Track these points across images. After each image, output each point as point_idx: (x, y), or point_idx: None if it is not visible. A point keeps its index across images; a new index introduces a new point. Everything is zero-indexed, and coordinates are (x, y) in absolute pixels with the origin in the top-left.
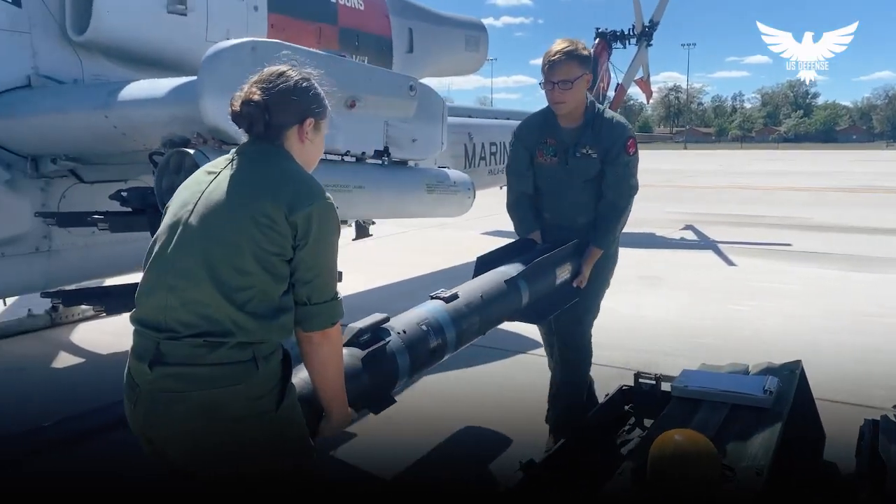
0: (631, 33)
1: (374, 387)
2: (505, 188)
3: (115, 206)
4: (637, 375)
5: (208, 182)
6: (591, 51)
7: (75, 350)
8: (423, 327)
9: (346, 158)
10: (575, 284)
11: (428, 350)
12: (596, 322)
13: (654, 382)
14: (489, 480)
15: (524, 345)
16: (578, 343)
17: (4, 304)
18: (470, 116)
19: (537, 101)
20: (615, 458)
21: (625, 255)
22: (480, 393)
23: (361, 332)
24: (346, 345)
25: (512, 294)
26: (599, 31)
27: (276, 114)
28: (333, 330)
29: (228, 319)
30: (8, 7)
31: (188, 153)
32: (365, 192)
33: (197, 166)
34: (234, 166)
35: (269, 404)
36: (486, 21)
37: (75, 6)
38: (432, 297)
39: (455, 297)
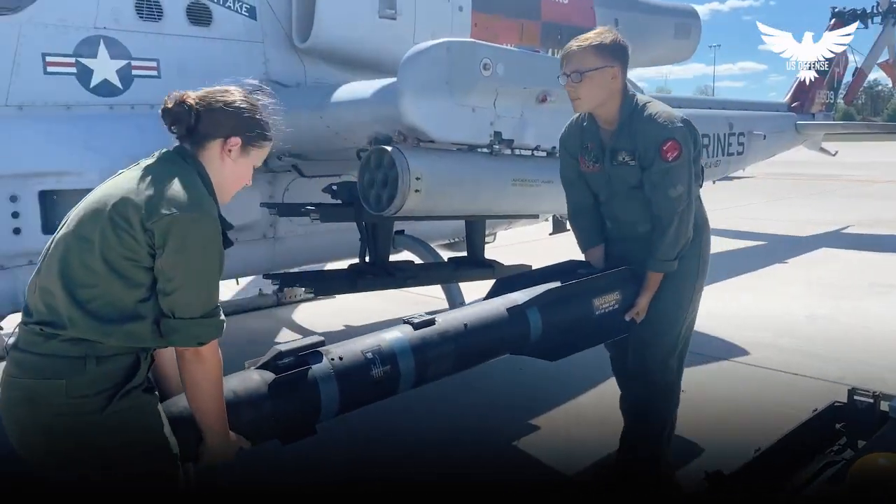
0: (875, 11)
1: (283, 415)
2: (717, 182)
3: (328, 199)
4: (851, 392)
5: (110, 180)
6: (624, 42)
7: (296, 328)
8: (369, 355)
9: (537, 153)
10: (628, 317)
11: (370, 381)
12: (810, 331)
13: (871, 401)
14: (674, 488)
15: (728, 351)
16: (652, 378)
17: (237, 283)
18: (679, 107)
19: (763, 90)
20: (815, 478)
21: (856, 258)
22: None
23: (282, 354)
24: (262, 367)
25: (514, 324)
26: (836, 10)
27: (203, 121)
28: (206, 349)
29: (66, 313)
30: (246, 20)
31: (386, 150)
32: (554, 186)
33: (394, 163)
34: (137, 166)
35: (92, 406)
36: (712, 6)
37: (300, 16)
38: (405, 322)
39: (429, 322)
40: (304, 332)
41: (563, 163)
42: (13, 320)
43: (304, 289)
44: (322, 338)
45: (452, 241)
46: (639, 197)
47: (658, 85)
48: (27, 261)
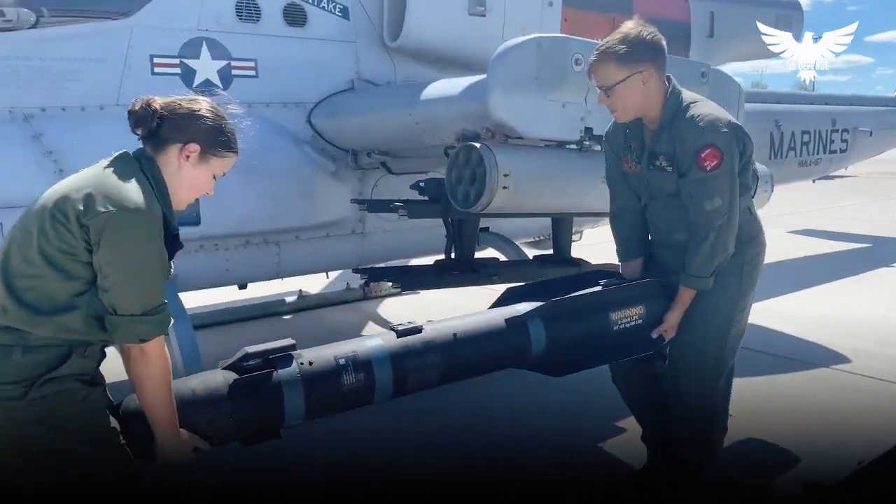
0: None
1: (244, 418)
2: (816, 182)
3: (415, 195)
4: None
5: (67, 178)
6: (652, 37)
7: (380, 321)
8: (342, 361)
9: None
10: (655, 334)
11: (340, 388)
12: None
13: None
14: (770, 498)
15: (828, 358)
16: (687, 406)
17: (327, 277)
18: (778, 102)
19: (869, 83)
20: None
21: None
22: (769, 406)
23: (249, 356)
24: (228, 367)
25: (512, 336)
26: None
27: (165, 125)
28: (150, 347)
29: (1, 301)
30: (339, 20)
31: (474, 147)
32: None
33: (482, 160)
34: (94, 165)
35: (14, 392)
36: None
37: (391, 15)
38: (391, 328)
39: (415, 330)
40: (387, 325)
41: (608, 161)
42: None
43: (390, 283)
44: (293, 341)
45: (538, 238)
46: (677, 205)
47: (753, 80)
48: None
